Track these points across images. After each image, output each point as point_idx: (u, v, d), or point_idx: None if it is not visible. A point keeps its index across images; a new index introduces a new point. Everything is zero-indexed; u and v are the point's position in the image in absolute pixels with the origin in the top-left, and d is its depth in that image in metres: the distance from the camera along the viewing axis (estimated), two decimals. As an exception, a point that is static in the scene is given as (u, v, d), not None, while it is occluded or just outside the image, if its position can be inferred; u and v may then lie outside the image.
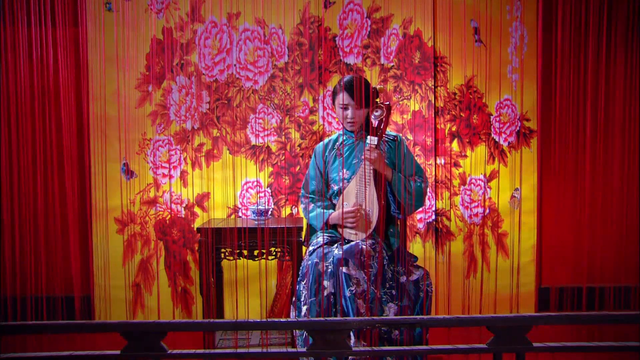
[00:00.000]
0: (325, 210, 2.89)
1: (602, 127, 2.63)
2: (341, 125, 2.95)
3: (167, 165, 3.60)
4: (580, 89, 2.55)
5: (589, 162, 2.59)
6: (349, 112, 2.86)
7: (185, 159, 3.62)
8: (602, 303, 2.70)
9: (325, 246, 2.72)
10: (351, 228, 2.77)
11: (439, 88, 3.63)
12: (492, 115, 3.66)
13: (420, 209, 3.62)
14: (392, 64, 3.64)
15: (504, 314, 2.09)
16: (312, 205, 2.96)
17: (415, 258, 2.84)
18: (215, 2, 3.56)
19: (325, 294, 2.57)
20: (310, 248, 2.79)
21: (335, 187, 2.91)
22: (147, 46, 3.56)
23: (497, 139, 3.68)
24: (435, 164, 3.63)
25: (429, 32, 3.59)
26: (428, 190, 3.61)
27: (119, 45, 3.49)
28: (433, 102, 3.62)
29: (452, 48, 3.60)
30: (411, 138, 3.66)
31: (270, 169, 3.65)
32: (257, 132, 3.62)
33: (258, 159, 3.65)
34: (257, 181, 3.66)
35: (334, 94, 2.90)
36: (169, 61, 3.58)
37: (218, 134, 3.63)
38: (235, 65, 3.60)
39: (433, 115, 3.62)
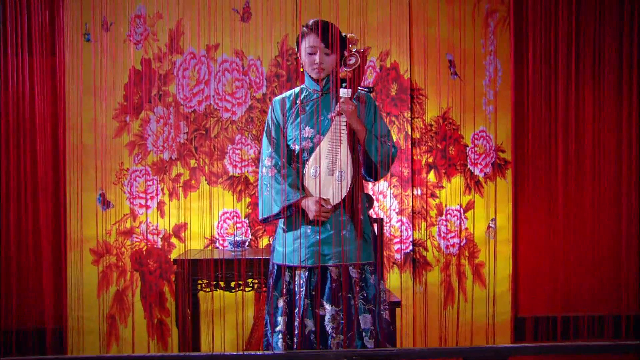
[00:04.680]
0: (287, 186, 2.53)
1: (573, 157, 2.68)
2: (305, 79, 2.65)
3: (144, 196, 3.58)
4: (552, 120, 2.61)
5: (562, 191, 2.63)
6: (317, 57, 2.53)
7: (162, 189, 3.61)
8: (578, 332, 2.72)
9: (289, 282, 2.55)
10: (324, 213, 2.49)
11: (415, 120, 3.68)
12: (467, 146, 3.71)
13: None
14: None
15: (480, 345, 2.10)
16: (276, 171, 2.58)
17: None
18: (194, 34, 3.60)
19: (306, 332, 2.50)
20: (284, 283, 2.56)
21: (296, 147, 2.60)
22: (126, 76, 3.57)
23: (472, 170, 3.73)
24: (413, 194, 3.66)
25: (406, 65, 3.65)
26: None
27: (97, 75, 3.49)
28: (410, 133, 3.66)
29: (428, 80, 3.66)
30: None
31: (248, 199, 3.65)
32: (235, 163, 3.63)
33: (236, 190, 3.64)
34: (234, 212, 3.65)
35: (299, 40, 2.59)
36: (147, 91, 3.59)
37: (196, 165, 3.62)
38: (213, 96, 3.62)
39: (410, 147, 3.66)
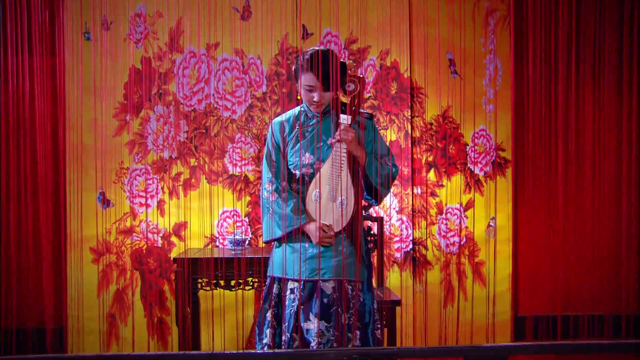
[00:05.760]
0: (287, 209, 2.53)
1: (573, 157, 2.69)
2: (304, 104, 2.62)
3: (144, 195, 3.58)
4: (552, 120, 2.61)
5: (562, 191, 2.63)
6: (315, 95, 2.49)
7: (162, 188, 3.61)
8: (578, 331, 2.73)
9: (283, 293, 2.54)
10: (326, 239, 2.52)
11: (415, 118, 3.68)
12: (468, 145, 3.71)
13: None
14: (369, 95, 3.68)
15: (480, 344, 2.10)
16: (277, 196, 2.58)
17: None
18: (194, 33, 3.59)
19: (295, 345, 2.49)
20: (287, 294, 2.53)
21: (297, 173, 2.60)
22: (126, 75, 3.57)
23: (473, 169, 3.72)
24: (413, 193, 3.66)
25: (406, 64, 3.65)
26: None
27: (97, 74, 3.49)
28: (410, 132, 3.66)
29: (428, 79, 3.65)
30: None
31: (248, 198, 3.65)
32: (235, 162, 3.63)
33: (236, 189, 3.64)
34: (234, 210, 3.66)
35: (297, 71, 2.53)
36: (147, 90, 3.59)
37: (196, 163, 3.62)
38: (213, 94, 3.61)
39: (410, 145, 3.66)
